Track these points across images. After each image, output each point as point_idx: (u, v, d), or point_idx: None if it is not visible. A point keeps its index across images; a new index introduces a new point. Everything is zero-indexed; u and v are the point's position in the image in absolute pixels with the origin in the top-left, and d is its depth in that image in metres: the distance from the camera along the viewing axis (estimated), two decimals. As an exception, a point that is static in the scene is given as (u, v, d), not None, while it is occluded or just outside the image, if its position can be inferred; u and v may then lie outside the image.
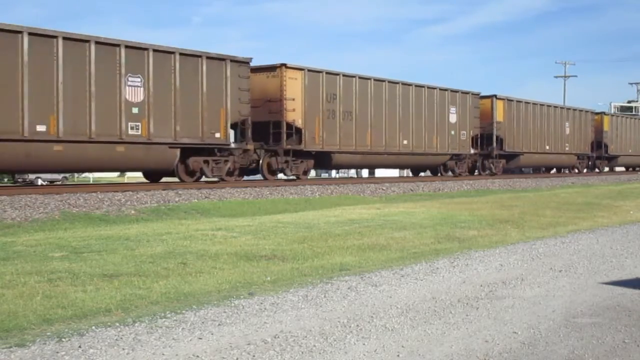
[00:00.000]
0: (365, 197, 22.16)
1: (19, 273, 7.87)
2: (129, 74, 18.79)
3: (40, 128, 17.06)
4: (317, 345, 5.48)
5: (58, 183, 41.88)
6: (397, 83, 28.03)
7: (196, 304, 6.75)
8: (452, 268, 9.16)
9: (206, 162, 21.41)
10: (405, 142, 28.39)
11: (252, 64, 22.34)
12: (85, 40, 17.88)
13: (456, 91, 31.30)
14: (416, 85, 29.05)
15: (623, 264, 9.79)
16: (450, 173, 32.29)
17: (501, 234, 13.02)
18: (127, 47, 18.67)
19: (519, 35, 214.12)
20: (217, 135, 21.19)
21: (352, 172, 47.72)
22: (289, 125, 23.57)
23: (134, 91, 18.96)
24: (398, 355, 5.31)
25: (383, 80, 27.39)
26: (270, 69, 23.73)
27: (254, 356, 5.18)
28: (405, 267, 9.10)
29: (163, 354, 5.18)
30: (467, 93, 31.99)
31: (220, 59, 21.33)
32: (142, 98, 19.11)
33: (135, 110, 18.96)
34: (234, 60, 21.56)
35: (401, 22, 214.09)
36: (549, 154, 38.89)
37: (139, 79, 19.02)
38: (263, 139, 23.41)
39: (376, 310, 6.69)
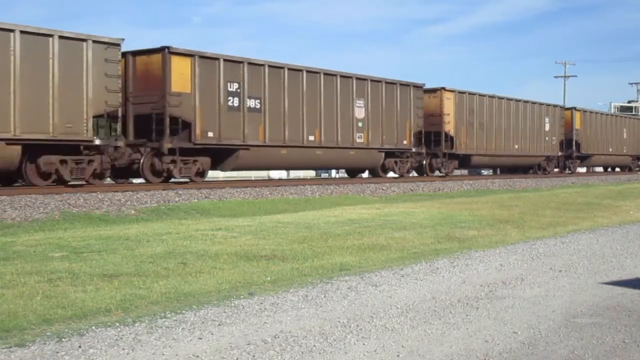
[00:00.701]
0: (365, 197, 22.17)
1: (19, 273, 7.87)
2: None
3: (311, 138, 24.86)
4: (317, 345, 5.48)
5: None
6: (512, 100, 36.26)
7: (196, 304, 6.75)
8: (452, 268, 9.17)
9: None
10: (516, 146, 36.22)
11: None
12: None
13: (549, 105, 39.44)
14: (524, 101, 37.19)
15: (623, 264, 9.79)
16: (541, 171, 39.29)
17: (501, 234, 13.02)
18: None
19: (519, 35, 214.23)
20: (405, 142, 28.80)
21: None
22: (446, 134, 31.21)
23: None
24: (398, 355, 5.31)
25: (510, 99, 36.00)
26: (432, 91, 31.11)
27: (254, 356, 5.18)
28: (405, 267, 9.10)
29: (163, 354, 5.18)
30: (556, 106, 40.26)
31: (417, 86, 29.71)
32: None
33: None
34: (416, 86, 29.23)
35: (401, 22, 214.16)
36: (613, 155, 46.60)
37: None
38: (427, 145, 30.66)
39: (376, 310, 6.69)
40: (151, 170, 20.76)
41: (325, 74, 25.58)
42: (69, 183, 18.54)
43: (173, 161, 20.79)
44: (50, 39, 17.57)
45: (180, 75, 20.60)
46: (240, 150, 22.40)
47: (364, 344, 5.55)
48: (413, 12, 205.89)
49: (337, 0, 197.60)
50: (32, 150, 17.73)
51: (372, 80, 27.51)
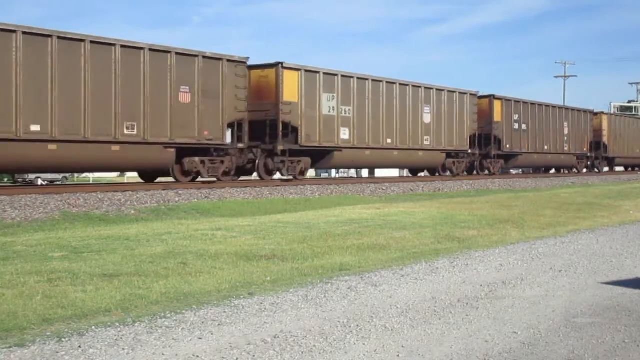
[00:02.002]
0: (365, 197, 22.16)
1: (19, 273, 7.86)
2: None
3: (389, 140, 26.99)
4: (317, 345, 5.48)
5: (58, 183, 41.88)
6: (549, 106, 39.21)
7: (196, 304, 6.75)
8: (452, 268, 9.16)
9: None
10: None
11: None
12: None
13: (578, 110, 42.71)
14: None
15: (623, 264, 9.79)
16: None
17: (501, 234, 13.02)
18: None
19: (519, 35, 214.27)
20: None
21: (352, 172, 47.73)
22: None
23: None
24: (398, 355, 5.31)
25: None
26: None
27: (254, 356, 5.18)
28: (405, 267, 9.10)
29: (163, 354, 5.18)
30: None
31: (473, 94, 32.27)
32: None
33: None
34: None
35: (401, 22, 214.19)
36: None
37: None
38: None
39: (376, 310, 6.69)
40: (480, 167, 26.37)
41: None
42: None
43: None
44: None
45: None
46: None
47: (364, 344, 5.55)
48: (413, 12, 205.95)
49: (337, 0, 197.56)
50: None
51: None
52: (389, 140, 27.90)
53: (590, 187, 31.32)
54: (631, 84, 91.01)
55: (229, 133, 22.28)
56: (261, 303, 6.86)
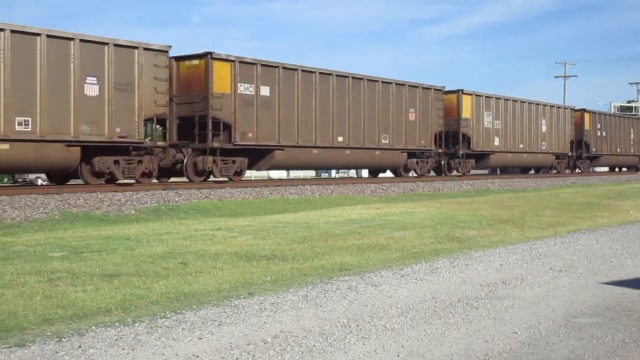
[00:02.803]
0: (365, 197, 22.17)
1: (19, 273, 7.86)
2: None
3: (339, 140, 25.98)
4: (317, 345, 5.48)
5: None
6: (525, 102, 37.45)
7: (196, 304, 6.75)
8: (452, 268, 9.16)
9: None
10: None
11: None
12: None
13: (557, 106, 41.15)
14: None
15: (623, 264, 9.79)
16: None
17: (501, 234, 13.02)
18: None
19: (519, 35, 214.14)
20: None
21: (352, 172, 47.73)
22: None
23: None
24: (398, 355, 5.31)
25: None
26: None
27: (254, 356, 5.18)
28: (405, 267, 9.10)
29: (163, 354, 5.18)
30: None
31: (438, 89, 30.21)
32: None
33: None
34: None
35: (401, 22, 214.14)
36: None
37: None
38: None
39: (376, 310, 6.69)
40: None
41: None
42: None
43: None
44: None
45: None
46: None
47: (364, 344, 5.55)
48: (413, 12, 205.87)
49: (337, 0, 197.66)
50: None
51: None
52: (340, 139, 25.97)
53: (591, 187, 31.34)
54: (631, 84, 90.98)
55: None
56: (261, 303, 6.86)
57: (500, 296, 7.44)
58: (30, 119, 17.27)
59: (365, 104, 27.05)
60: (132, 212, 15.34)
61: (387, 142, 28.16)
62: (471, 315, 6.55)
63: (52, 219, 13.74)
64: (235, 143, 22.15)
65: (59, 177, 20.74)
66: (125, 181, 20.00)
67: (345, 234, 11.97)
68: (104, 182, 19.48)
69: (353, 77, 26.53)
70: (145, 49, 19.64)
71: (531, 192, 27.04)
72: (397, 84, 28.59)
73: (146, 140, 20.16)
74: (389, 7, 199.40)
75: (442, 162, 32.47)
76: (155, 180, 21.47)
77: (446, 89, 31.81)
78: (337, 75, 25.76)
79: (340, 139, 25.97)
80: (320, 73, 25.12)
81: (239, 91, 22.11)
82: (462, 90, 32.47)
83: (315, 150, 25.10)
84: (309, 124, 24.62)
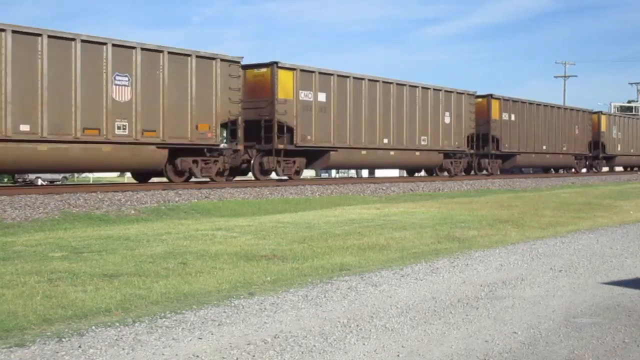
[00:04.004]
0: (365, 197, 22.16)
1: (19, 273, 7.87)
2: None
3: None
4: (317, 345, 5.48)
5: (58, 183, 41.88)
6: (547, 105, 39.38)
7: (196, 304, 6.75)
8: (452, 268, 9.16)
9: None
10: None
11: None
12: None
13: (577, 109, 42.84)
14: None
15: (623, 263, 9.79)
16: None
17: (501, 234, 13.01)
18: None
19: (519, 35, 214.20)
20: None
21: (352, 172, 47.72)
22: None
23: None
24: (398, 355, 5.31)
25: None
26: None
27: (254, 356, 5.18)
28: (405, 267, 9.10)
29: (163, 354, 5.18)
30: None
31: (470, 94, 32.30)
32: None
33: None
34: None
35: (401, 22, 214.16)
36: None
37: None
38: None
39: (376, 310, 6.69)
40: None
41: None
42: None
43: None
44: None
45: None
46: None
47: (364, 344, 5.55)
48: (413, 12, 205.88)
49: (337, 0, 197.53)
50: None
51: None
52: (385, 140, 27.73)
53: (591, 187, 31.34)
54: (631, 84, 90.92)
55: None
56: (261, 303, 6.86)
57: (500, 296, 7.44)
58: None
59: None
60: (132, 212, 15.34)
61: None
62: (471, 315, 6.55)
63: (52, 219, 13.74)
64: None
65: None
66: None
67: (345, 234, 11.96)
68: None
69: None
70: (221, 60, 21.45)
71: (531, 192, 27.03)
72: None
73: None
74: (389, 7, 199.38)
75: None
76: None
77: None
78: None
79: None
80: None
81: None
82: (491, 95, 34.75)
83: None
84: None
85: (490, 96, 34.43)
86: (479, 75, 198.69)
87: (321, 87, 24.83)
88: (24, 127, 17.17)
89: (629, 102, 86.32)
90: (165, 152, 20.17)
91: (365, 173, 45.65)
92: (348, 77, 26.05)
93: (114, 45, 18.72)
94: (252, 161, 23.56)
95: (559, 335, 5.92)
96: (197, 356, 5.15)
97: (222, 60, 21.40)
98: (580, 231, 13.90)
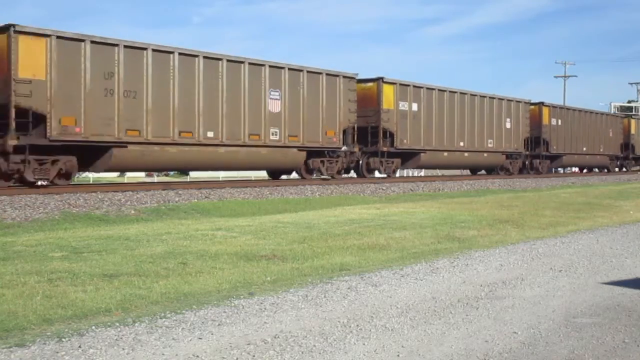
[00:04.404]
0: (365, 197, 22.16)
1: (19, 273, 7.87)
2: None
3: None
4: (317, 345, 5.48)
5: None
6: (587, 111, 43.48)
7: (196, 304, 6.75)
8: (452, 268, 9.16)
9: None
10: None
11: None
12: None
13: (607, 114, 46.87)
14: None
15: (623, 263, 9.79)
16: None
17: (501, 234, 13.01)
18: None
19: (519, 35, 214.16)
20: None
21: (352, 172, 47.74)
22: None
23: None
24: (398, 355, 5.31)
25: (463, 93, 36.77)
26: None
27: (254, 356, 5.18)
28: (405, 267, 9.10)
29: (163, 354, 5.18)
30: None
31: (552, 106, 37.18)
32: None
33: None
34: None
35: (401, 22, 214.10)
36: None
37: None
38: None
39: (376, 310, 6.69)
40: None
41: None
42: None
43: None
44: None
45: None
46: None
47: (364, 344, 5.55)
48: (413, 12, 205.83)
49: (337, 0, 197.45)
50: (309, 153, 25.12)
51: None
52: (461, 144, 32.21)
53: (590, 187, 31.34)
54: (631, 84, 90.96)
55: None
56: (261, 303, 6.86)
57: (500, 296, 7.44)
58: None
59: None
60: (132, 212, 15.34)
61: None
62: (471, 315, 6.55)
63: (52, 219, 13.74)
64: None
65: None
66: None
67: (345, 234, 11.97)
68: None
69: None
70: (343, 76, 26.02)
71: (531, 192, 27.04)
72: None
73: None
74: (389, 7, 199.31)
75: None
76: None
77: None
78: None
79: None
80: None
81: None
82: (542, 103, 38.87)
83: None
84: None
85: (541, 104, 38.67)
86: (479, 75, 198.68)
87: (414, 98, 29.57)
88: (210, 134, 21.62)
89: (629, 102, 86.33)
90: (304, 154, 24.73)
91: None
92: (434, 89, 30.59)
93: (270, 66, 23.23)
94: (360, 161, 27.84)
95: (559, 335, 5.92)
96: (197, 356, 5.15)
97: (343, 77, 25.96)
98: (580, 231, 13.90)
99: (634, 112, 74.96)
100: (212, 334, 5.74)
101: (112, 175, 49.60)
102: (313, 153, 25.17)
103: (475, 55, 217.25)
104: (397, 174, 32.48)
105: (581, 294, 7.59)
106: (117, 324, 5.93)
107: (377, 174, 29.25)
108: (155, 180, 36.76)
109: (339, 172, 26.53)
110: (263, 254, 9.70)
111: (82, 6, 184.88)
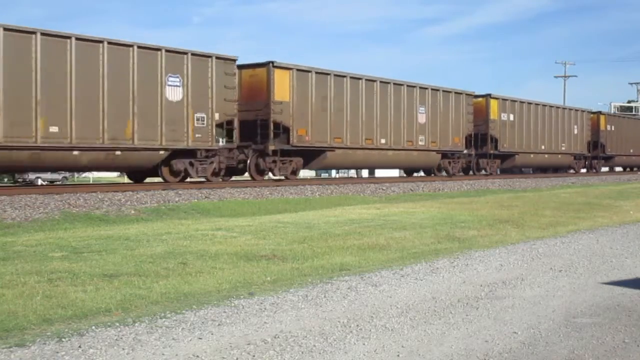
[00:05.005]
0: (365, 197, 22.16)
1: (19, 273, 7.87)
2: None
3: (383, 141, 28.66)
4: (317, 345, 5.48)
5: (58, 183, 41.87)
6: (545, 105, 39.77)
7: (196, 304, 6.75)
8: (452, 268, 9.16)
9: None
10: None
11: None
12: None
13: (576, 109, 43.47)
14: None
15: (623, 263, 9.79)
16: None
17: (501, 234, 13.01)
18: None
19: (519, 35, 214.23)
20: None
21: (352, 172, 47.71)
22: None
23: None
24: (398, 355, 5.31)
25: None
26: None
27: (254, 356, 5.18)
28: (405, 267, 9.10)
29: (163, 354, 5.18)
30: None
31: (469, 94, 33.89)
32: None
33: None
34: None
35: (401, 22, 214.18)
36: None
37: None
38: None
39: (376, 310, 6.69)
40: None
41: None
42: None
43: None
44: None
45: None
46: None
47: (364, 344, 5.55)
48: (413, 12, 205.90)
49: (337, 0, 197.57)
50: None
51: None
52: (382, 140, 28.12)
53: (590, 187, 31.33)
54: (631, 84, 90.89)
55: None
56: (261, 303, 6.86)
57: (500, 296, 7.44)
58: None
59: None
60: (132, 212, 15.34)
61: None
62: (471, 315, 6.55)
63: (52, 219, 13.74)
64: (499, 150, 34.83)
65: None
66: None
67: (345, 234, 11.97)
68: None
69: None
70: (466, 94, 32.35)
71: (531, 192, 27.03)
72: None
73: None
74: (389, 7, 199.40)
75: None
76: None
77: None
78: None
79: (383, 140, 29.28)
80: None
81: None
82: (490, 95, 35.26)
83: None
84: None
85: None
86: (479, 75, 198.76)
87: (511, 110, 35.67)
88: (382, 140, 27.75)
89: (629, 102, 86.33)
90: (439, 156, 31.09)
91: (365, 173, 45.66)
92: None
93: (420, 87, 29.92)
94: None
95: (559, 335, 5.92)
96: (197, 356, 5.15)
97: (466, 94, 32.56)
98: (580, 231, 13.90)
99: (634, 112, 75.03)
100: (212, 334, 5.74)
101: (112, 175, 49.69)
102: (445, 155, 31.46)
103: (475, 55, 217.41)
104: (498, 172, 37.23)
105: (581, 294, 7.59)
106: (117, 324, 5.93)
107: (482, 172, 34.99)
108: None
109: (459, 171, 32.74)
110: (263, 254, 9.70)
111: (82, 6, 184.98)
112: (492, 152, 34.65)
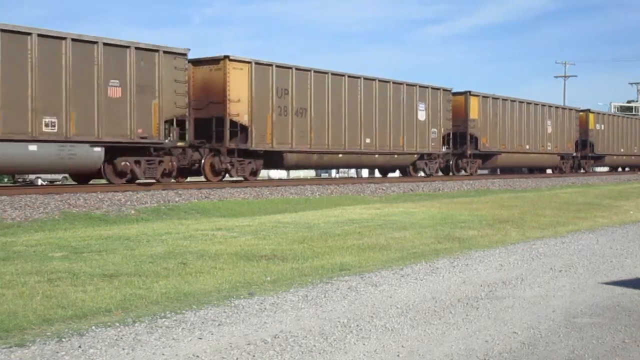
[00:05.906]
0: (365, 197, 22.16)
1: (19, 273, 7.87)
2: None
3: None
4: (317, 345, 5.48)
5: (58, 183, 41.87)
6: (530, 103, 38.74)
7: (196, 304, 6.75)
8: (452, 268, 9.17)
9: None
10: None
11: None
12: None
13: (562, 107, 43.44)
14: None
15: (623, 264, 9.79)
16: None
17: (501, 234, 13.02)
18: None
19: (519, 35, 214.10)
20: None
21: (352, 172, 47.71)
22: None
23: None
24: (398, 355, 5.31)
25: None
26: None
27: (254, 356, 5.18)
28: (405, 267, 9.10)
29: (163, 354, 5.18)
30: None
31: (483, 95, 34.74)
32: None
33: None
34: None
35: (401, 22, 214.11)
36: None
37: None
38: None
39: (376, 310, 6.69)
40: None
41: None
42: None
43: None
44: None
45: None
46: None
47: (364, 344, 5.55)
48: (413, 12, 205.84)
49: (337, 0, 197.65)
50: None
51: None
52: (367, 140, 27.17)
53: (591, 187, 31.33)
54: (631, 84, 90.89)
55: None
56: (261, 303, 6.87)
57: (500, 296, 7.44)
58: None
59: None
60: (132, 212, 15.34)
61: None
62: (471, 315, 6.55)
63: (52, 219, 13.74)
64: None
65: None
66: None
67: (345, 234, 11.97)
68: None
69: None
70: (165, 52, 20.14)
71: (531, 192, 27.03)
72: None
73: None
74: (389, 7, 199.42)
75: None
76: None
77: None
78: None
79: (367, 140, 28.24)
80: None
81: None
82: (469, 92, 33.44)
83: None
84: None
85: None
86: (479, 75, 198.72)
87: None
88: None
89: (629, 102, 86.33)
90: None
91: (365, 173, 45.62)
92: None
93: (542, 105, 38.34)
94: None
95: (559, 335, 5.92)
96: (197, 356, 5.15)
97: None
98: (580, 231, 13.91)
99: (634, 112, 75.03)
100: (212, 334, 5.74)
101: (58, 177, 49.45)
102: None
103: (475, 55, 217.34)
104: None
105: (581, 294, 7.59)
106: (117, 324, 5.93)
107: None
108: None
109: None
110: (263, 254, 9.70)
111: (82, 6, 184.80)
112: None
